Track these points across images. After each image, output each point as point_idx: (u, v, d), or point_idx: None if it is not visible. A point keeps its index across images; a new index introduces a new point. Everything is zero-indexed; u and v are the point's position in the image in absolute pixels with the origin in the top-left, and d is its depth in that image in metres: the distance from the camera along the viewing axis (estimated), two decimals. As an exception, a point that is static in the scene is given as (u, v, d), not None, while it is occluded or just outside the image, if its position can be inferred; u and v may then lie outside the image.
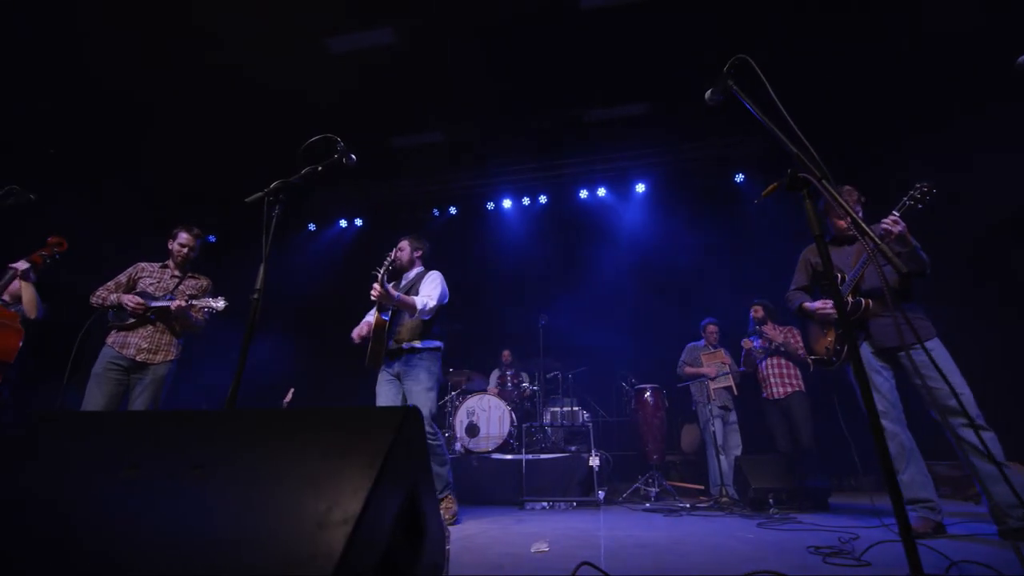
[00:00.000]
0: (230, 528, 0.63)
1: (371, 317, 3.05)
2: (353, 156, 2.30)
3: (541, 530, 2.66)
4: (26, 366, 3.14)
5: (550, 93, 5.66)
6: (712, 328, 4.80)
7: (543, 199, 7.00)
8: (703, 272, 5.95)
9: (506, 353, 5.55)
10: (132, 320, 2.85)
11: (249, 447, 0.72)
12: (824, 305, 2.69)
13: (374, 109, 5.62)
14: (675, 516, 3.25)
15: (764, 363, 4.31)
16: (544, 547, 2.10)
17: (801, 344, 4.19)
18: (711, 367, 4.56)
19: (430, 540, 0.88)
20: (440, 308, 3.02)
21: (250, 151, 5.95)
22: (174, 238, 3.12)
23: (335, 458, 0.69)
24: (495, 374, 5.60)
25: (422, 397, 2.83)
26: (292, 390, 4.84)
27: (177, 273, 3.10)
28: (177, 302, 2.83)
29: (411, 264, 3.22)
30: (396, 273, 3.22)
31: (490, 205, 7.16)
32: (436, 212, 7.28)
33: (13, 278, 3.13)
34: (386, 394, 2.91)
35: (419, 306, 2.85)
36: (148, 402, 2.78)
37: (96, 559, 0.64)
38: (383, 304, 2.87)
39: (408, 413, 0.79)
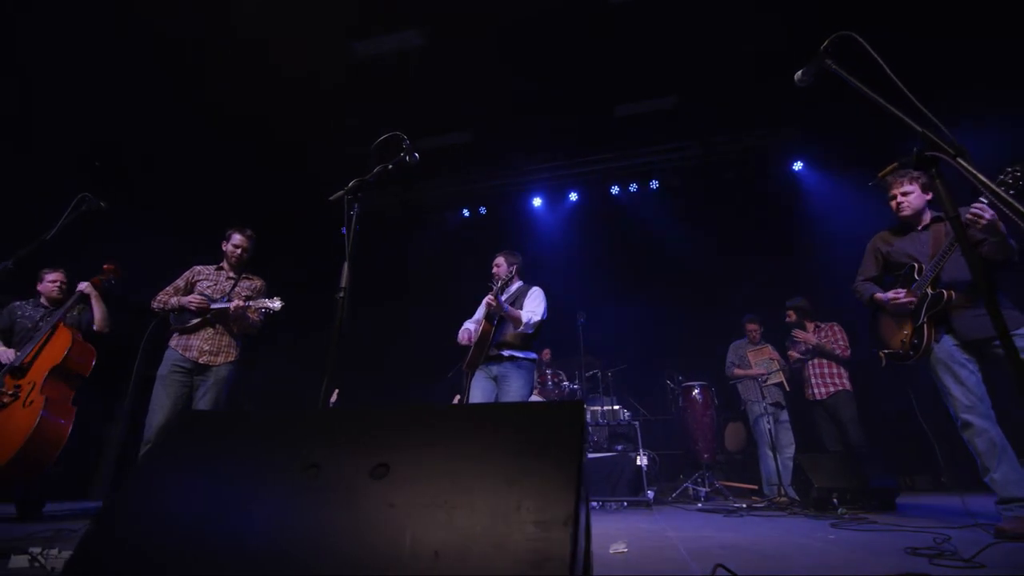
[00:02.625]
0: (435, 528, 0.60)
1: (472, 324, 3.28)
2: (416, 154, 2.29)
3: (605, 530, 2.61)
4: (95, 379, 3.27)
5: (579, 89, 5.61)
6: (752, 326, 4.67)
7: (574, 196, 6.95)
8: (742, 266, 5.81)
9: (546, 352, 5.51)
10: (194, 322, 2.88)
11: (431, 445, 0.69)
12: (896, 295, 2.56)
13: (401, 111, 5.62)
14: (736, 517, 3.16)
15: (808, 363, 4.22)
16: (623, 548, 2.05)
17: (839, 342, 4.18)
18: (759, 365, 4.44)
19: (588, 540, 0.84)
20: (541, 323, 3.17)
21: (279, 156, 6.03)
22: (228, 239, 3.15)
23: (532, 456, 0.65)
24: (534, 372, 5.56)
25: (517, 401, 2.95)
26: (337, 391, 4.88)
27: (232, 275, 3.13)
28: (236, 303, 2.87)
29: (510, 279, 3.32)
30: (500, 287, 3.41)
31: (520, 204, 7.12)
32: (466, 212, 7.28)
33: (78, 300, 3.33)
34: (482, 390, 3.05)
35: (525, 320, 3.02)
36: (212, 403, 2.81)
37: (285, 566, 0.62)
38: (492, 313, 3.06)
39: (581, 408, 0.75)
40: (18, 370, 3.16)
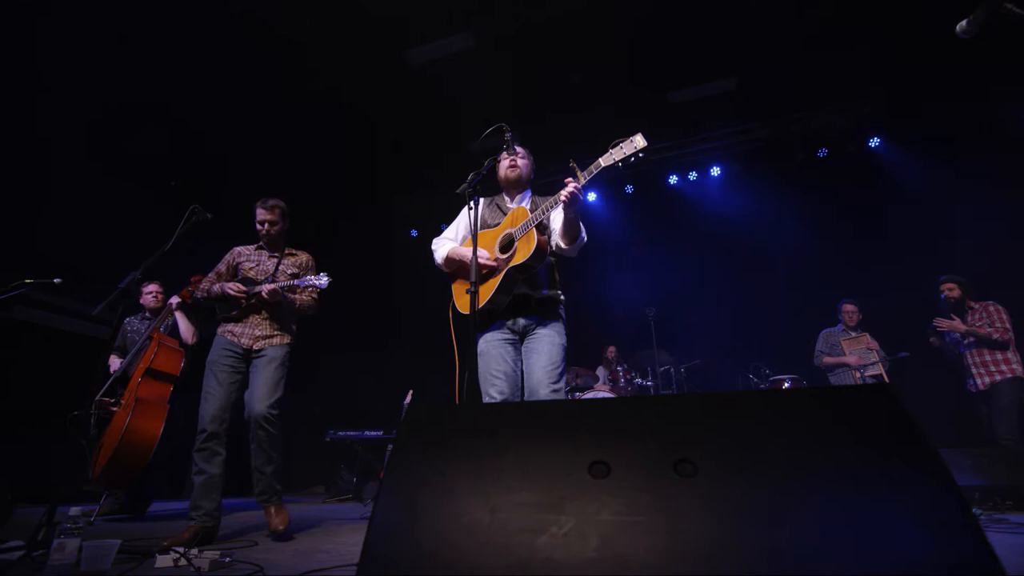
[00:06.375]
0: (783, 532, 0.53)
1: (462, 249, 2.22)
2: (517, 148, 2.25)
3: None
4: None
5: (630, 78, 5.45)
6: (850, 308, 4.31)
7: (629, 188, 6.77)
8: (823, 250, 5.48)
9: (611, 349, 5.38)
10: (236, 312, 2.65)
11: (736, 437, 0.62)
12: None
13: (448, 116, 5.62)
14: (851, 517, 2.95)
15: (967, 352, 3.75)
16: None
17: (995, 323, 3.62)
18: (853, 355, 4.15)
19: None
20: None
21: (333, 165, 6.15)
22: (255, 217, 2.80)
23: (869, 450, 0.57)
24: (601, 370, 5.44)
25: (556, 354, 2.02)
26: (411, 392, 4.92)
27: (274, 253, 2.83)
28: (269, 287, 2.58)
29: (528, 183, 2.36)
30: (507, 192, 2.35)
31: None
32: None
33: (169, 312, 3.58)
34: (501, 359, 2.03)
35: (579, 237, 2.05)
36: (266, 383, 2.56)
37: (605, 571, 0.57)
38: (571, 207, 1.93)
39: (897, 394, 0.67)
40: (123, 379, 3.47)
